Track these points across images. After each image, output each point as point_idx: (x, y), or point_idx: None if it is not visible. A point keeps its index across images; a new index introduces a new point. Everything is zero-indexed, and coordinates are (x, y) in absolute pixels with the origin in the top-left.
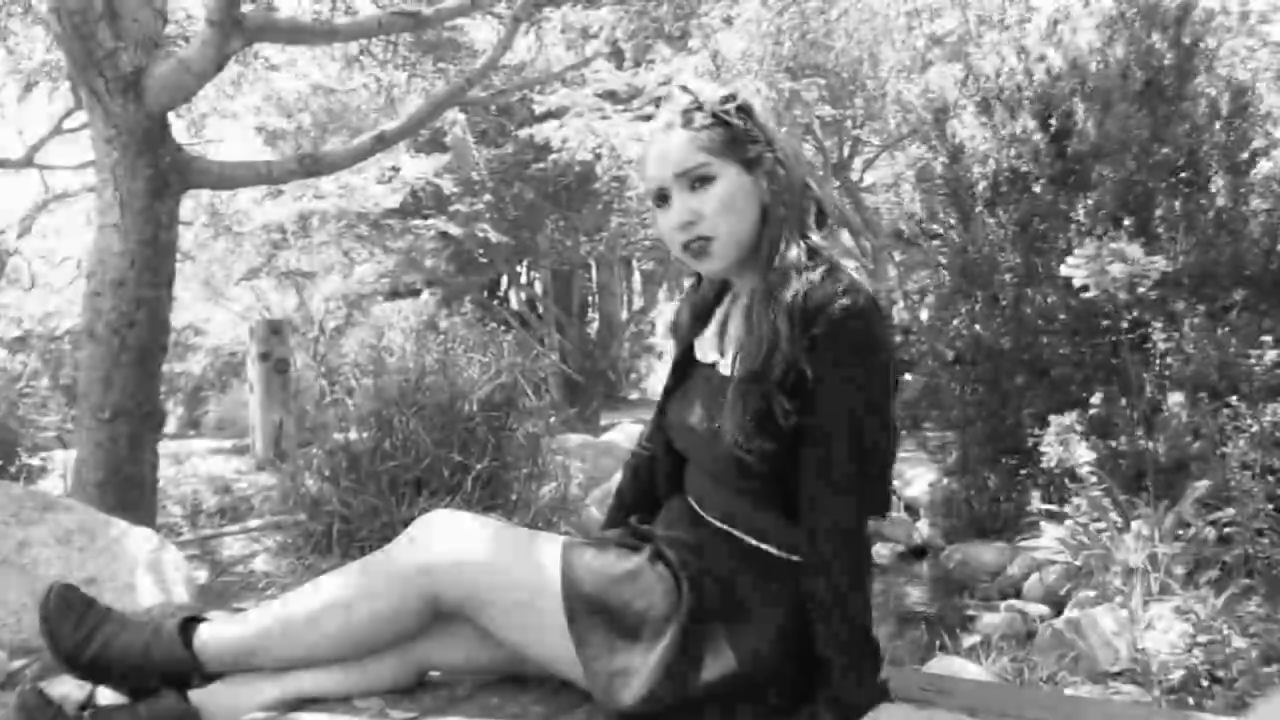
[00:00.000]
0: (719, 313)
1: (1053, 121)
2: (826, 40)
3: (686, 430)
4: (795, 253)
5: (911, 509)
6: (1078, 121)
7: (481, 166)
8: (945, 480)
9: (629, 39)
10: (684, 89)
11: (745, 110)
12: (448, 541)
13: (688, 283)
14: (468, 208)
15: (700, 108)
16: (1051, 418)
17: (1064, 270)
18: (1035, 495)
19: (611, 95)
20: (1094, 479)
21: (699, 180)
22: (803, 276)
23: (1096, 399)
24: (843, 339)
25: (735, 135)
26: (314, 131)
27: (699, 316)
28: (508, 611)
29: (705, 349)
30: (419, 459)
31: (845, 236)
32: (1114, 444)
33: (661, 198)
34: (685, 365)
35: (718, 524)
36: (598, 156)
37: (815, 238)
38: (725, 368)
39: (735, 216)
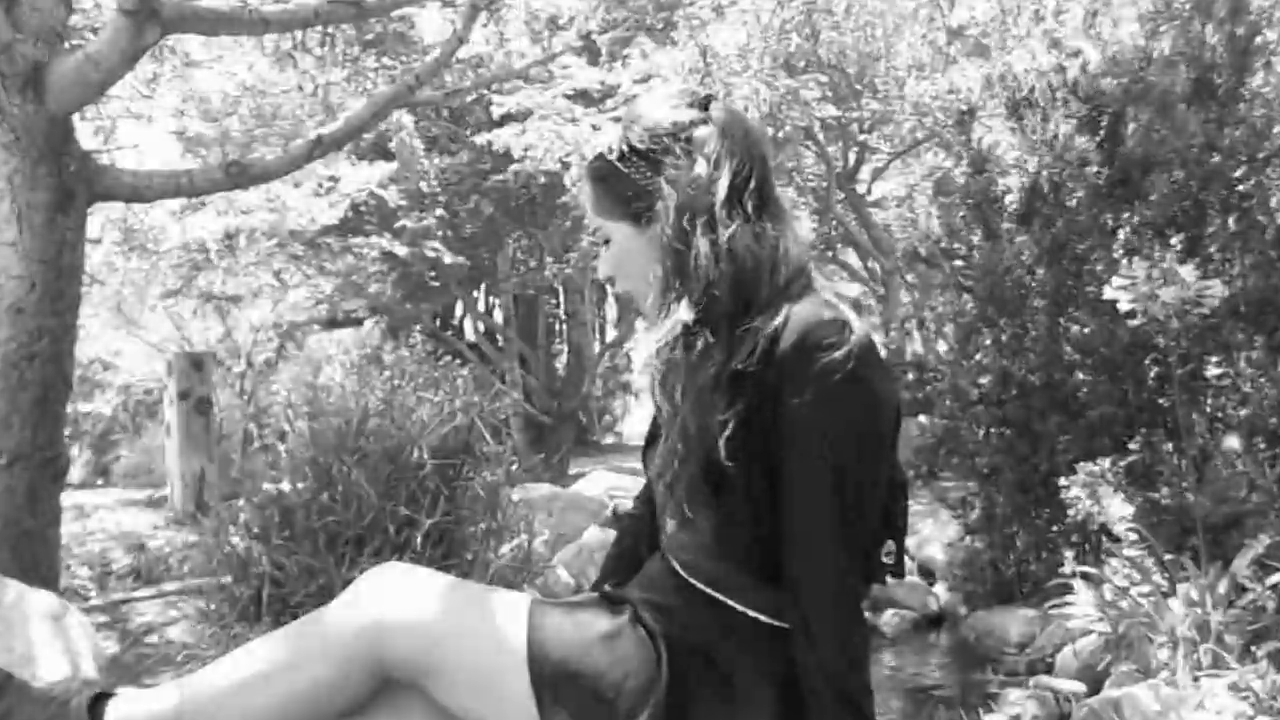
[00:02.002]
0: None
1: (1102, 125)
2: (835, 34)
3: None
4: (682, 313)
5: (926, 571)
6: (1129, 126)
7: (432, 177)
8: (966, 538)
9: (603, 31)
10: (610, 151)
11: (651, 156)
12: (397, 599)
13: None
14: (416, 224)
15: (600, 157)
16: (1080, 465)
17: (1108, 293)
18: (1069, 555)
19: (582, 95)
20: (1133, 536)
21: (605, 240)
22: (779, 314)
23: (1136, 444)
24: (821, 385)
25: (623, 188)
26: (241, 137)
27: None
28: (465, 680)
29: None
30: (361, 513)
31: (852, 257)
32: (1157, 495)
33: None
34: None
35: (700, 586)
36: (566, 166)
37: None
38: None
39: (635, 276)
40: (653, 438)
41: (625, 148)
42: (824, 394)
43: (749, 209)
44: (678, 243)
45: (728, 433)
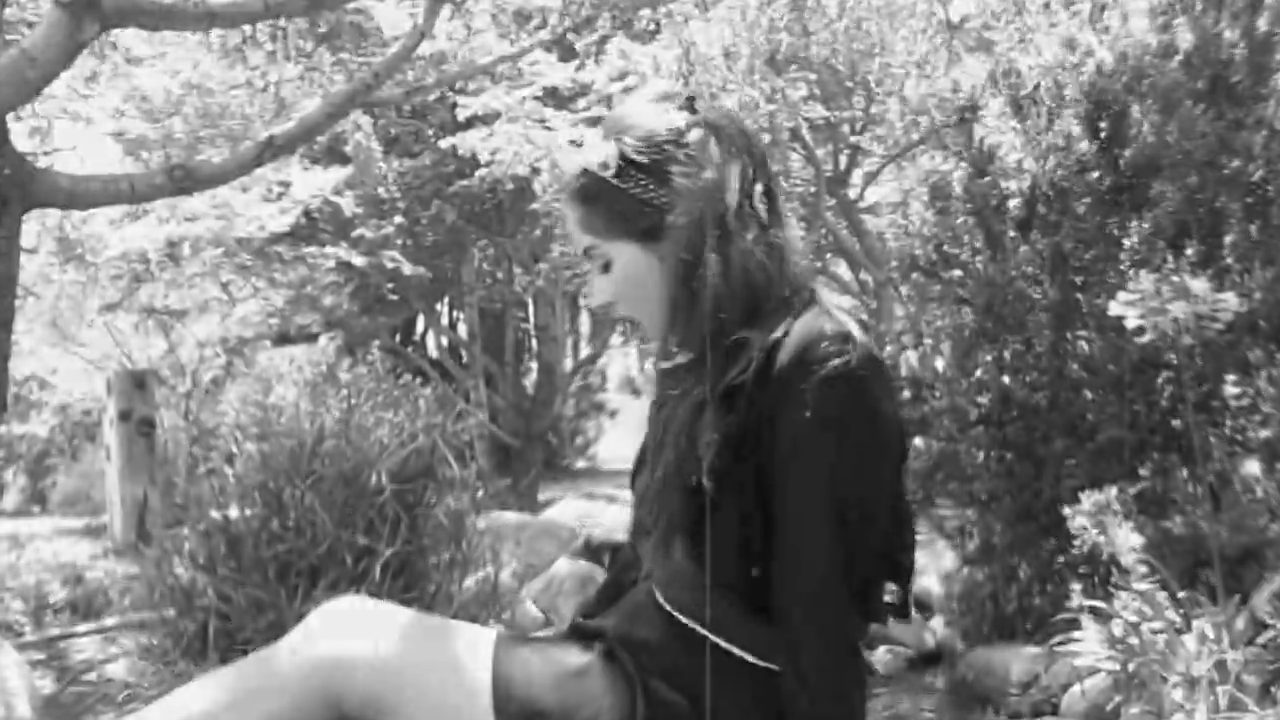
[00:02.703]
0: None
1: (1103, 126)
2: (826, 30)
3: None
4: (713, 336)
5: (923, 605)
6: (1134, 126)
7: (391, 182)
8: (965, 569)
9: (578, 29)
10: (605, 166)
11: (655, 168)
12: (355, 633)
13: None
14: (375, 232)
15: (585, 173)
16: (1085, 493)
17: (1114, 309)
18: (1075, 588)
19: (552, 95)
20: (1144, 568)
21: (602, 262)
22: (779, 326)
23: (1147, 469)
24: (821, 402)
25: (624, 205)
26: (186, 139)
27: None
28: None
29: None
30: (315, 542)
31: (842, 269)
32: (1170, 524)
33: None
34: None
35: (682, 620)
36: (536, 171)
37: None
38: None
39: (642, 300)
40: (642, 460)
41: (622, 162)
42: (824, 412)
43: (762, 215)
44: (691, 256)
45: (714, 451)
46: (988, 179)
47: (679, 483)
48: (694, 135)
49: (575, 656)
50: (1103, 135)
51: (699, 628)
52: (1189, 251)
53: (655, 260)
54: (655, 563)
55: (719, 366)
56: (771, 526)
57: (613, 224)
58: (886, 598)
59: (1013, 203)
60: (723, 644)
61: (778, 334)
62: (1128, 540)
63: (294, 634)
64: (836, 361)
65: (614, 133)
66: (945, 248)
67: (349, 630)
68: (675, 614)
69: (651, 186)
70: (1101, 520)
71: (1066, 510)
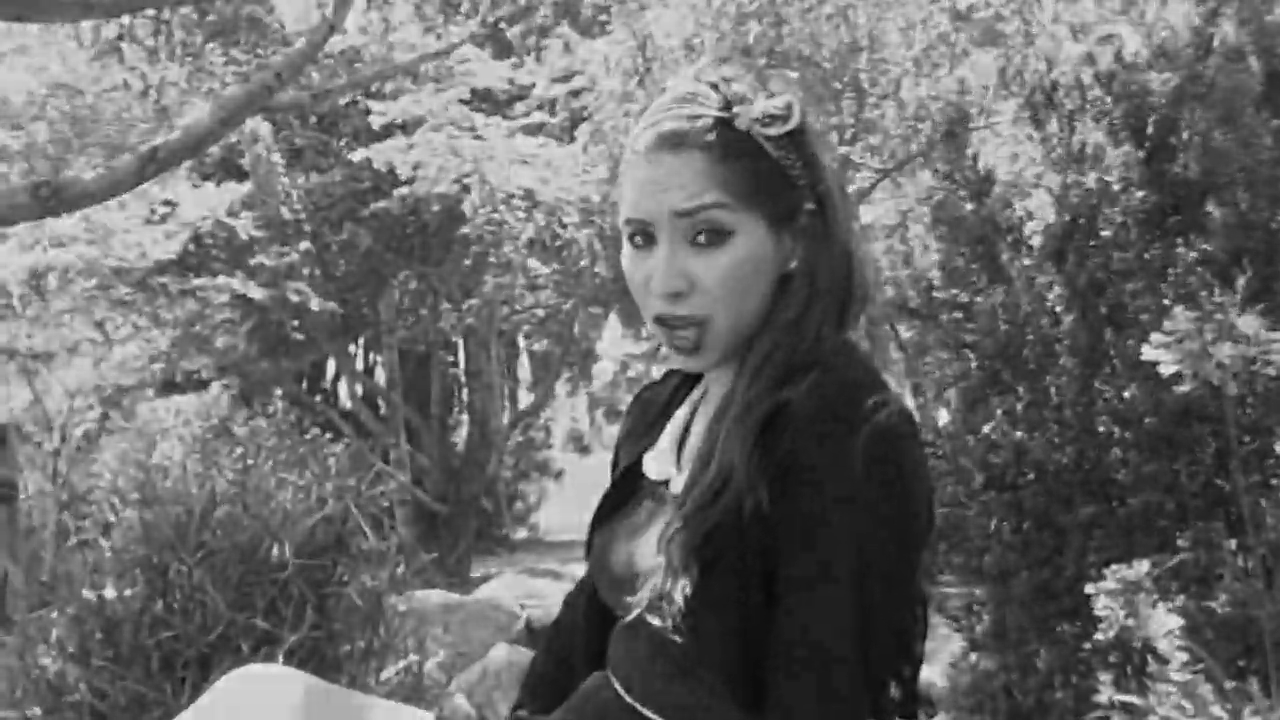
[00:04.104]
0: (681, 413)
1: (1148, 134)
2: (803, 22)
3: (613, 574)
4: (805, 350)
5: (924, 699)
6: (1183, 134)
7: (296, 201)
8: (973, 656)
9: (514, 19)
10: (711, 84)
11: (797, 136)
12: (264, 708)
13: (619, 374)
14: (277, 260)
15: (732, 120)
16: (1110, 570)
17: (1147, 353)
18: (1104, 679)
19: (485, 96)
20: (1185, 655)
21: (708, 233)
22: (806, 380)
23: (1188, 540)
24: (854, 466)
25: (775, 174)
26: (53, 149)
27: (654, 420)
28: None
29: (655, 462)
30: (206, 626)
31: None
32: (1214, 604)
33: (644, 235)
34: (628, 484)
35: (652, 717)
36: (466, 188)
37: (837, 330)
38: (680, 485)
39: (745, 295)
40: (604, 516)
41: (801, 123)
42: (856, 478)
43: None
44: (810, 254)
45: (760, 490)
46: (991, 201)
47: (704, 519)
48: (807, 112)
49: None
50: (1147, 145)
51: None
52: (1239, 284)
53: (774, 249)
54: (623, 642)
55: (770, 391)
56: (773, 604)
57: (757, 192)
58: (894, 694)
59: (1029, 226)
60: None
61: (808, 381)
62: (1163, 623)
63: (195, 709)
64: (873, 420)
65: (741, 93)
66: (946, 283)
67: (258, 705)
68: (644, 710)
69: (799, 163)
70: (1132, 600)
71: (1089, 589)
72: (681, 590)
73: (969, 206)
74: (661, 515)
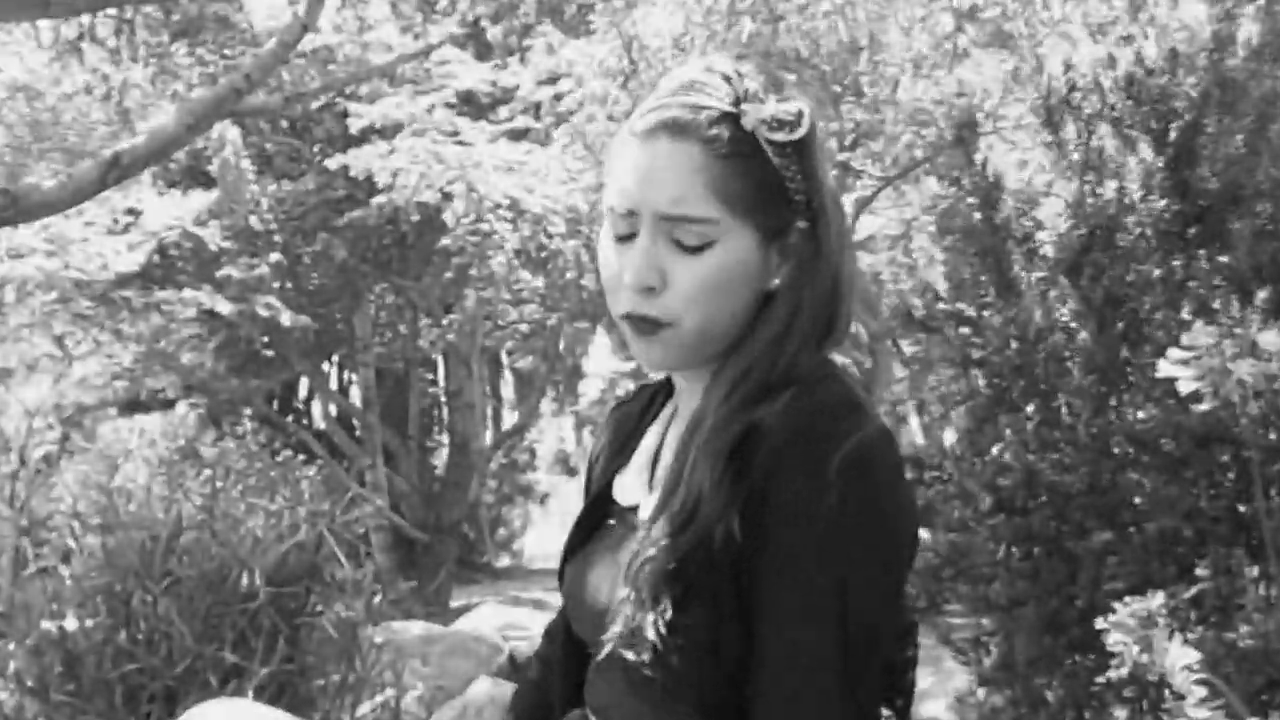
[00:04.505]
0: (654, 432)
1: (1170, 141)
2: (800, 15)
3: (586, 607)
4: (781, 370)
5: None
6: (1207, 142)
7: (266, 210)
8: (980, 691)
9: (497, 17)
10: (724, 75)
11: (802, 146)
12: None
13: (602, 392)
14: (246, 272)
15: (738, 117)
16: (1123, 604)
17: (1163, 369)
18: (1120, 716)
19: (468, 99)
20: (1203, 690)
21: (689, 236)
22: (780, 400)
23: (1207, 567)
24: (827, 492)
25: (772, 184)
26: (11, 155)
27: (626, 439)
28: None
29: (627, 486)
30: (172, 659)
31: None
32: (1234, 635)
33: (627, 225)
34: (599, 510)
35: None
36: (447, 196)
37: (816, 353)
38: (650, 511)
39: (719, 305)
40: (581, 540)
41: (789, 130)
42: (831, 505)
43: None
44: (800, 274)
45: (731, 517)
46: (1001, 210)
47: (677, 545)
48: (816, 124)
49: None
50: (1168, 152)
51: None
52: (1260, 297)
53: (759, 264)
54: (595, 682)
55: (742, 417)
56: (750, 635)
57: (749, 201)
58: None
59: (1040, 235)
60: None
61: (782, 398)
62: (1181, 656)
63: None
64: (848, 442)
65: (751, 91)
66: (953, 296)
67: None
68: None
69: (799, 175)
70: (1146, 634)
71: (1101, 623)
72: (653, 624)
73: (978, 215)
74: (632, 543)
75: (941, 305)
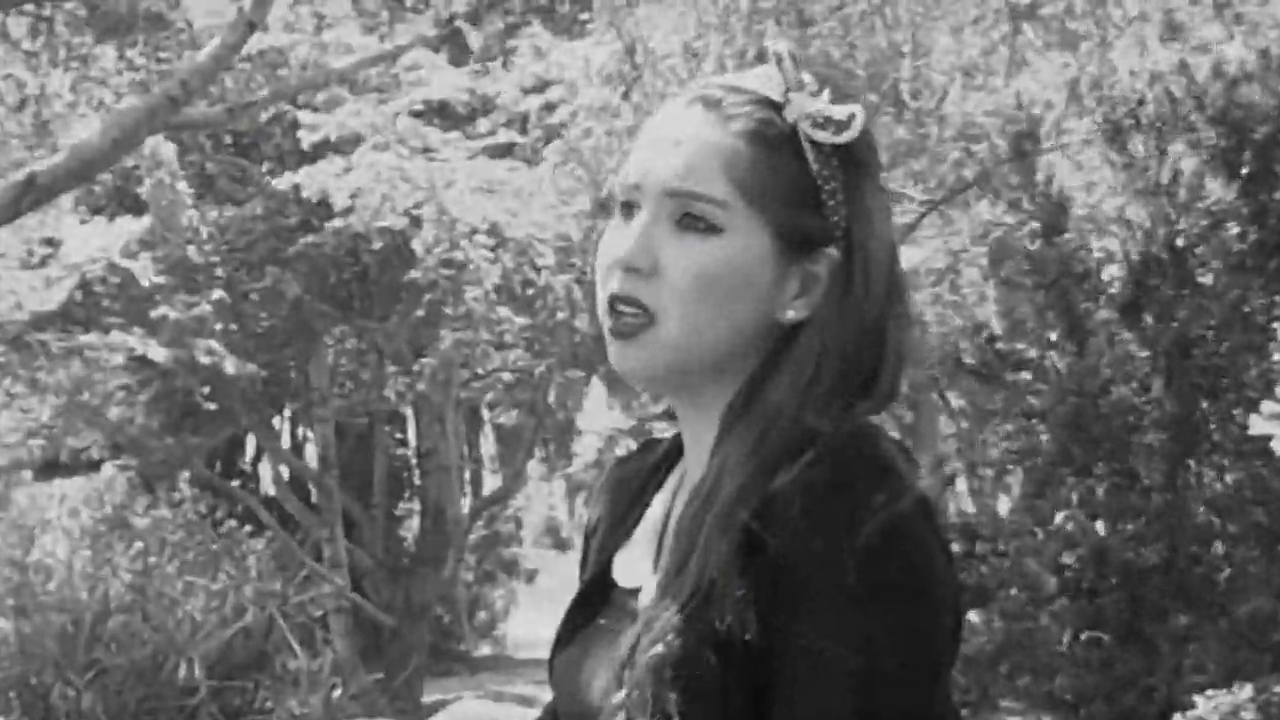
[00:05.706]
0: (660, 501)
1: (1245, 161)
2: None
3: (579, 705)
4: (805, 427)
5: None
6: None
7: (206, 239)
8: None
9: (476, 16)
10: (778, 56)
11: (848, 156)
12: None
13: (603, 449)
14: (183, 312)
15: (782, 105)
16: (1205, 698)
17: (1257, 425)
18: None
19: (441, 110)
20: None
21: (693, 218)
22: (798, 464)
23: None
24: (854, 572)
25: (803, 184)
26: None
27: (628, 506)
28: None
29: (629, 565)
30: None
31: None
32: None
33: (629, 203)
34: (597, 591)
35: None
36: (415, 221)
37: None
38: (651, 596)
39: (713, 307)
40: (576, 626)
41: (820, 125)
42: (857, 587)
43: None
44: (859, 327)
45: (745, 606)
46: (1066, 238)
47: (686, 634)
48: (870, 134)
49: None
50: (1244, 174)
51: None
52: None
53: (771, 274)
54: None
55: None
56: None
57: (771, 191)
58: None
59: (1108, 271)
60: None
61: (803, 461)
62: None
63: None
64: (876, 516)
65: (799, 82)
66: (1008, 338)
67: None
68: None
69: (838, 188)
70: None
71: (1178, 719)
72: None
73: (1039, 243)
74: (632, 633)
75: (997, 348)
